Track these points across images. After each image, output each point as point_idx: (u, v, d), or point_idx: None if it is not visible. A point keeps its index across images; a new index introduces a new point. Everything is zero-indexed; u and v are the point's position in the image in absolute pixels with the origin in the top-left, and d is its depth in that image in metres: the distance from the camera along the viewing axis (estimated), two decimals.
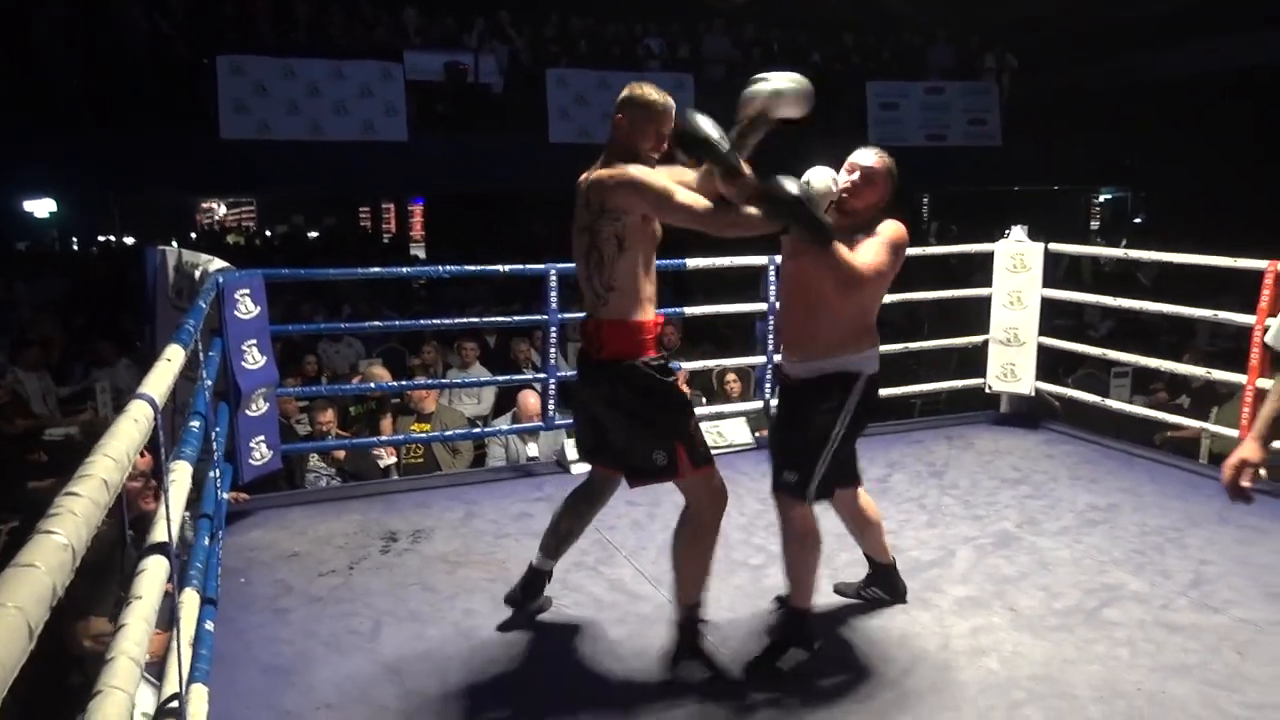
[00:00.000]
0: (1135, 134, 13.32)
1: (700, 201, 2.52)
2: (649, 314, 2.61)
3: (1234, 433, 4.37)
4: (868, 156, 2.71)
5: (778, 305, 2.75)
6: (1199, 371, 4.92)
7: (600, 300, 2.59)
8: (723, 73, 11.93)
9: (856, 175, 2.68)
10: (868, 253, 2.59)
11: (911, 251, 5.68)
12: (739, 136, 2.60)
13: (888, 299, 5.67)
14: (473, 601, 3.16)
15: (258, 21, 10.34)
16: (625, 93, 2.65)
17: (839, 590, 3.20)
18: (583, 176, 2.64)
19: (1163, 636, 2.88)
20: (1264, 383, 4.24)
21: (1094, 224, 19.52)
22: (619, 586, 3.28)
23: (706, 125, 2.51)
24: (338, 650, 2.84)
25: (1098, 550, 3.55)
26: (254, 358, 3.91)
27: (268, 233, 22.10)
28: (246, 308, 3.88)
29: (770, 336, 4.92)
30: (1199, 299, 4.96)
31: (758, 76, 2.67)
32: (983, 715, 2.49)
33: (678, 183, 2.58)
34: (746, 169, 2.54)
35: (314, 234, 20.60)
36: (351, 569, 3.43)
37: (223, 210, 24.83)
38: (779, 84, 2.63)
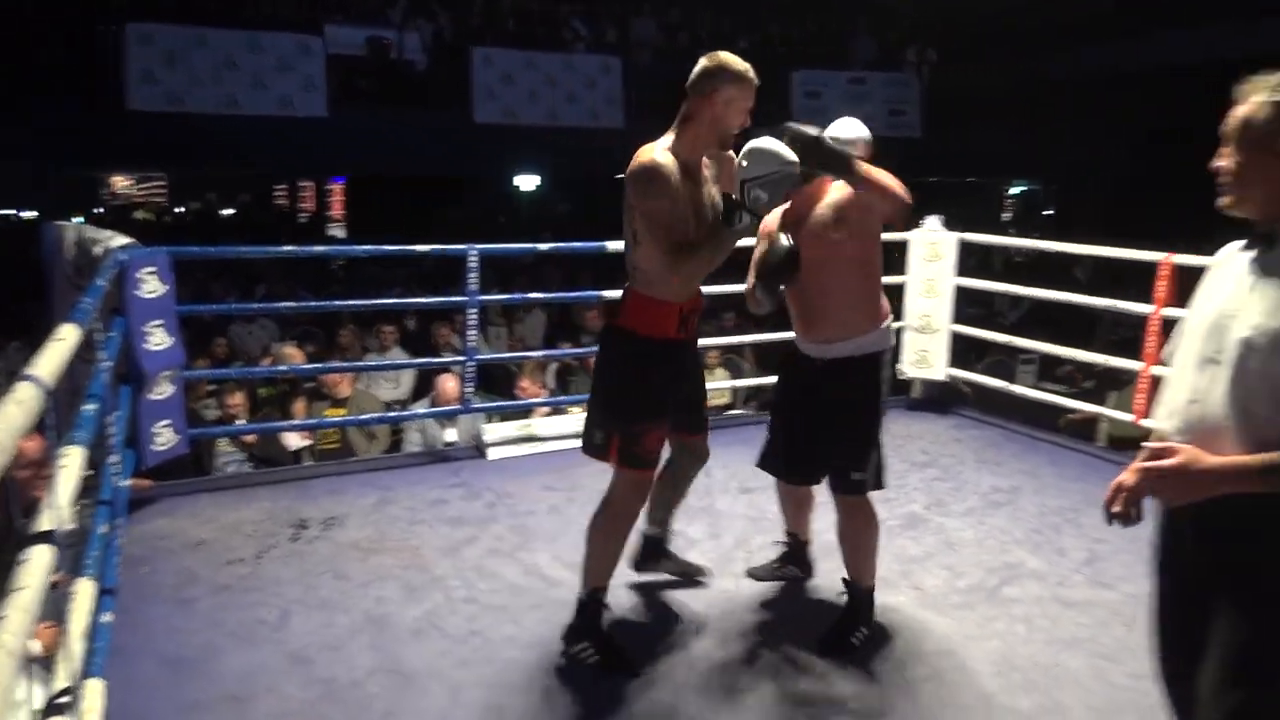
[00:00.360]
0: (1047, 128, 13.74)
1: (677, 256, 2.48)
2: (683, 294, 2.58)
3: (1129, 417, 4.57)
4: (847, 130, 2.85)
5: (794, 297, 2.77)
6: (1098, 359, 5.11)
7: (630, 275, 2.63)
8: (649, 57, 11.93)
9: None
10: (884, 175, 2.53)
11: None
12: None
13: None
14: (385, 589, 3.12)
15: None
16: (711, 63, 2.49)
17: (753, 574, 3.25)
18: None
19: (1058, 612, 3.00)
20: (1158, 370, 4.43)
21: (1005, 215, 20.13)
22: (535, 572, 3.28)
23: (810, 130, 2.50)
24: (244, 640, 2.78)
25: (1000, 530, 3.68)
26: (159, 339, 3.78)
27: (178, 210, 21.36)
28: (151, 287, 3.74)
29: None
30: (1115, 289, 5.12)
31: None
32: (884, 691, 2.57)
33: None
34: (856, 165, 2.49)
35: (228, 211, 19.98)
36: (260, 557, 3.36)
37: (131, 186, 23.88)
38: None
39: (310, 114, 9.97)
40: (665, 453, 2.80)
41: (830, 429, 2.76)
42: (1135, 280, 5.05)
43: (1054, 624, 2.93)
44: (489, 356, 5.54)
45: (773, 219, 2.78)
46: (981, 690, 2.58)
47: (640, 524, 2.92)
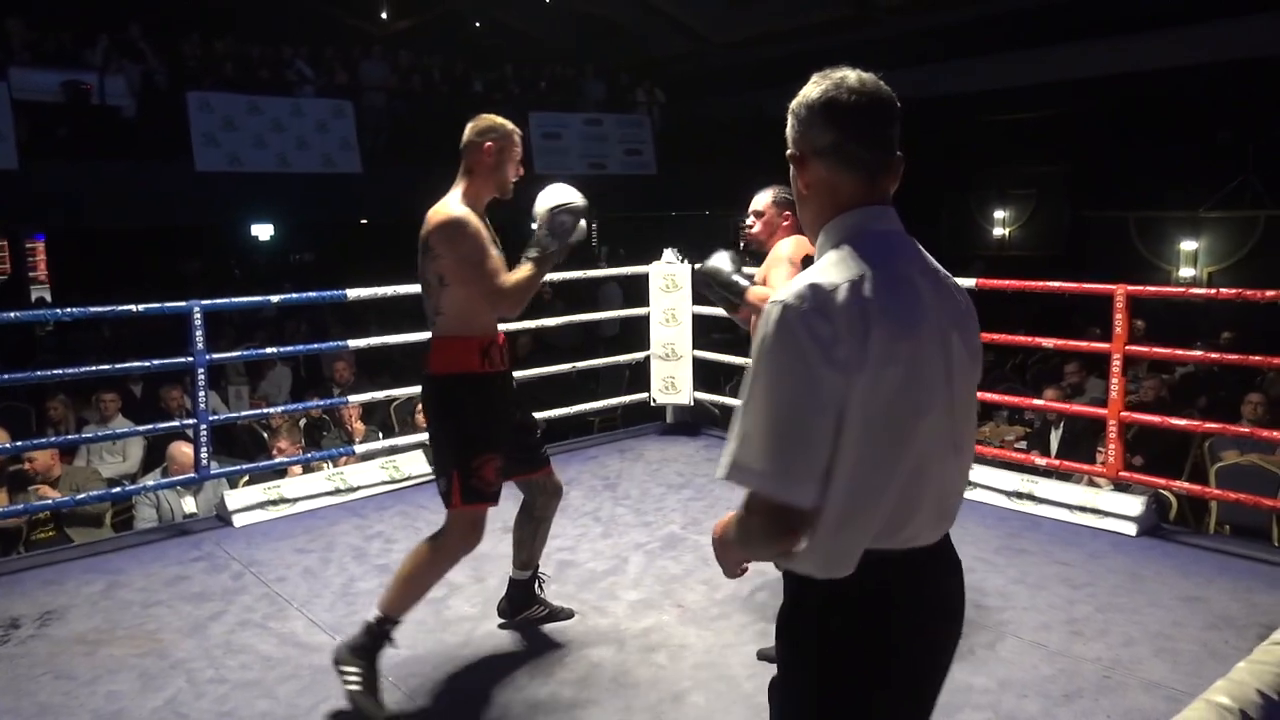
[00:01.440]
0: (772, 161, 14.89)
1: (504, 280, 2.70)
2: (480, 330, 2.78)
3: None
4: (759, 200, 3.18)
5: None
6: None
7: (431, 322, 2.80)
8: (384, 99, 11.73)
9: (751, 218, 3.19)
10: (779, 280, 2.96)
11: (580, 275, 5.93)
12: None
13: (559, 321, 5.87)
14: (117, 682, 2.83)
15: None
16: (484, 123, 2.79)
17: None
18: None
19: None
20: None
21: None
22: (290, 640, 3.10)
23: (724, 264, 3.02)
24: None
25: None
26: None
27: None
28: None
29: None
30: None
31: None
32: (653, 709, 2.66)
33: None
34: (748, 292, 2.97)
35: None
36: None
37: None
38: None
39: None
40: (510, 494, 2.92)
41: None
42: None
43: None
44: (224, 417, 5.18)
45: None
46: (741, 692, 2.73)
47: (509, 571, 3.14)
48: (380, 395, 5.33)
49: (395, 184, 11.01)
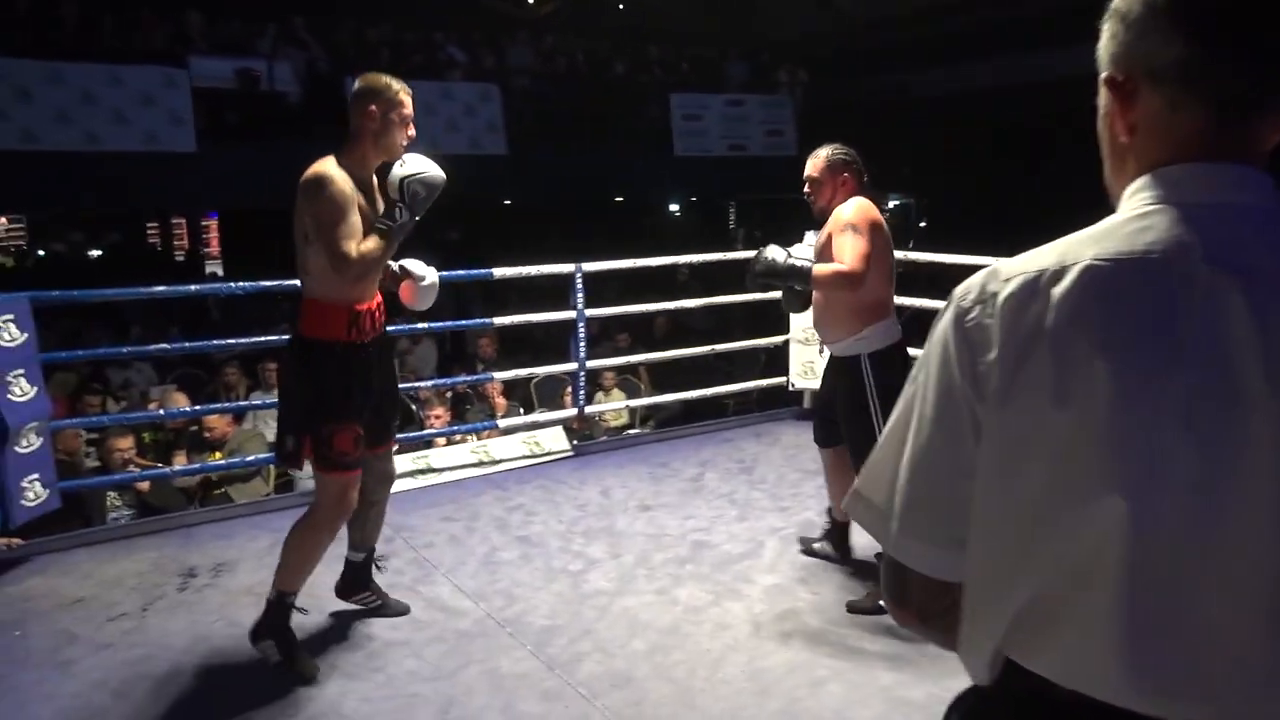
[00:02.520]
0: (914, 144, 14.39)
1: (349, 247, 2.60)
2: (348, 297, 2.72)
3: None
4: (810, 165, 3.17)
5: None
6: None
7: (300, 280, 2.76)
8: (528, 82, 11.97)
9: (807, 186, 3.19)
10: (844, 250, 2.97)
11: (717, 257, 5.90)
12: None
13: (695, 302, 5.86)
14: None
15: (15, 23, 9.44)
16: (363, 83, 2.72)
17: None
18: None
19: None
20: None
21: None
22: (436, 604, 3.24)
23: (777, 255, 3.07)
24: (129, 698, 2.65)
25: None
26: (21, 389, 3.58)
27: (40, 252, 20.21)
28: (10, 335, 3.55)
29: (582, 345, 5.00)
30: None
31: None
32: (789, 695, 2.64)
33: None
34: (814, 272, 3.02)
35: (96, 252, 19.01)
36: (145, 610, 3.21)
37: None
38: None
39: (178, 149, 9.60)
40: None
41: (840, 412, 3.24)
42: None
43: None
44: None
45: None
46: (878, 685, 2.67)
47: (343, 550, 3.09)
48: (524, 373, 5.47)
49: (538, 166, 11.25)
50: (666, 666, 2.80)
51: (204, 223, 17.48)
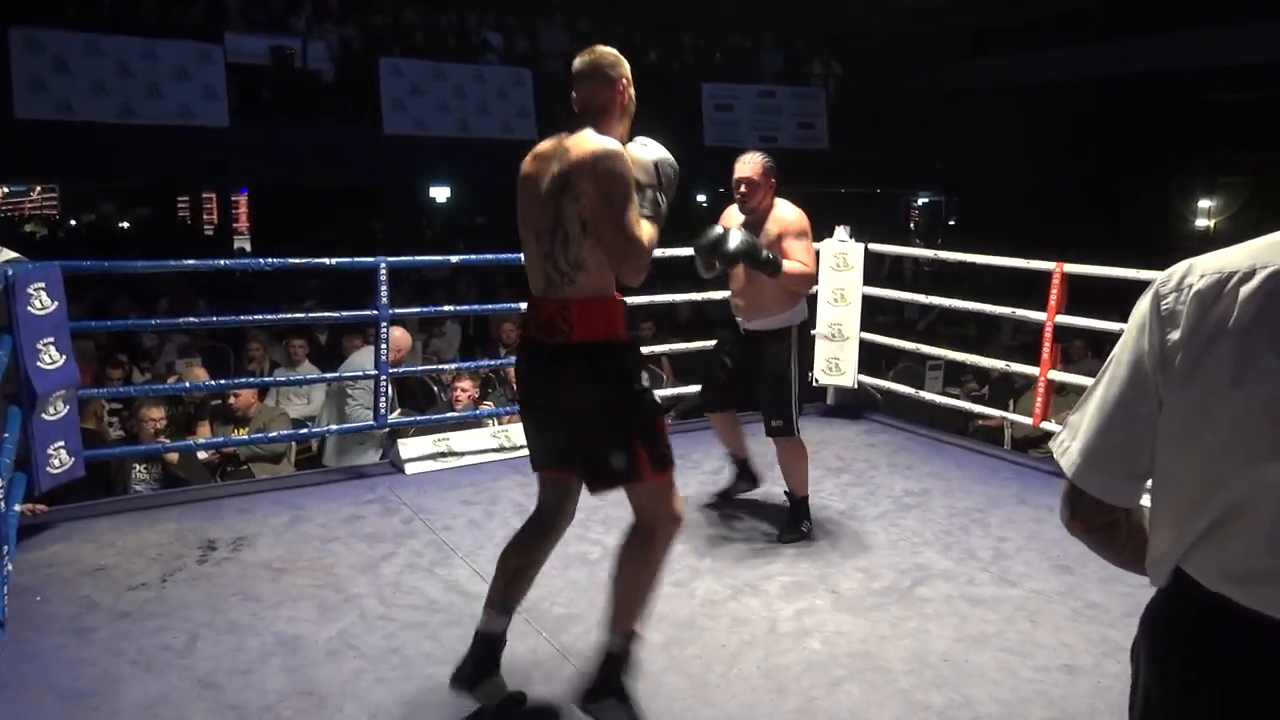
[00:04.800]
0: (948, 141, 14.24)
1: (646, 234, 2.30)
2: (614, 290, 2.40)
3: (1029, 420, 4.75)
4: (749, 169, 3.60)
5: (734, 285, 3.74)
6: (999, 364, 5.31)
7: (565, 279, 2.34)
8: (560, 67, 11.92)
9: (743, 187, 3.60)
10: (799, 252, 3.57)
11: None
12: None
13: (720, 294, 5.81)
14: (297, 609, 3.03)
15: None
16: (612, 56, 2.41)
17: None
18: (553, 143, 2.40)
19: (966, 610, 3.10)
20: (1055, 374, 4.63)
21: (911, 225, 20.77)
22: (454, 587, 3.24)
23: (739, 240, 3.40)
24: (147, 669, 2.66)
25: (911, 532, 3.78)
26: (51, 357, 3.61)
27: (72, 222, 20.45)
28: (42, 303, 3.58)
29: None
30: (1013, 298, 5.19)
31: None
32: (806, 694, 2.61)
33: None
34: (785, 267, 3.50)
35: (125, 224, 19.21)
36: (165, 581, 3.23)
37: (3, 198, 22.74)
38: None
39: (211, 123, 9.67)
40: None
41: (752, 383, 3.79)
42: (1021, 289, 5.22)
43: (963, 621, 3.02)
44: (403, 370, 5.43)
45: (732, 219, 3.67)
46: (896, 687, 2.64)
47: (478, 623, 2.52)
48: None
49: None
50: (682, 660, 2.78)
51: (234, 198, 17.59)
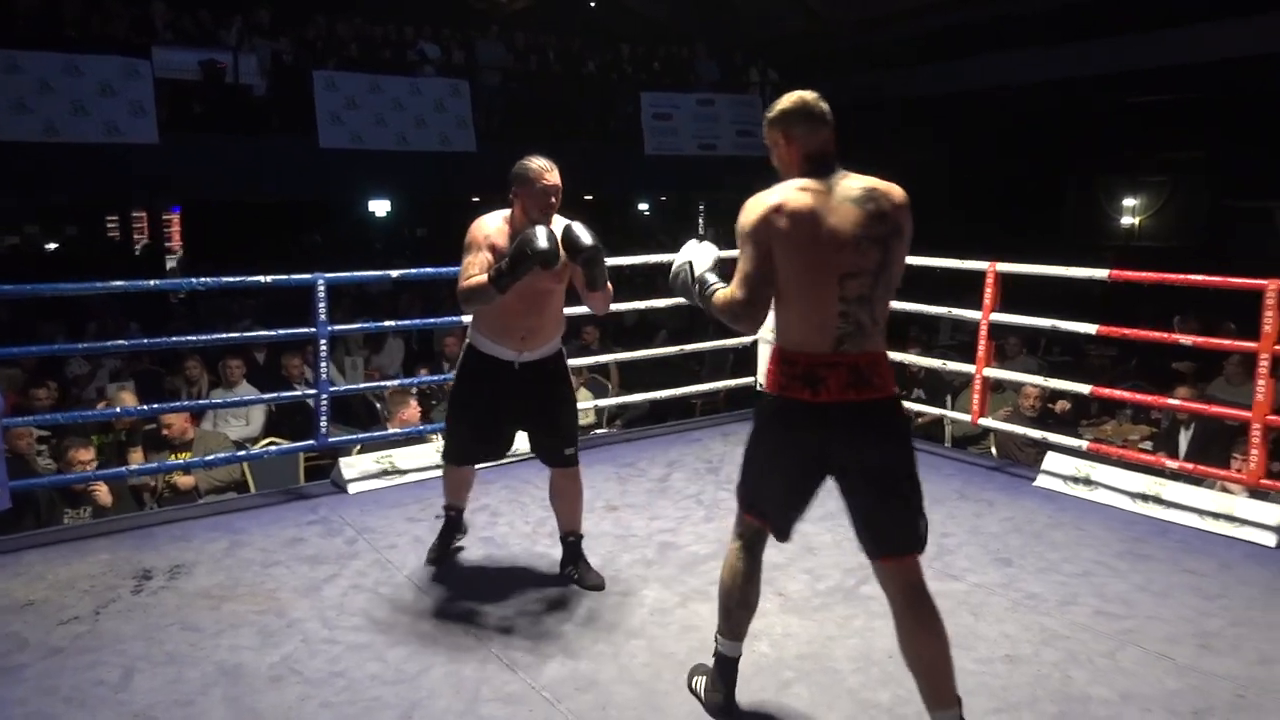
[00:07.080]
0: (885, 147, 14.47)
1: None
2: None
3: (967, 417, 4.84)
4: (555, 175, 3.43)
5: (507, 315, 3.22)
6: (936, 363, 5.41)
7: (876, 327, 2.29)
8: (499, 79, 11.88)
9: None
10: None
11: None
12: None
13: (665, 303, 5.81)
14: (238, 637, 2.96)
15: None
16: (797, 102, 2.50)
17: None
18: (826, 182, 2.39)
19: None
20: (990, 371, 4.73)
21: None
22: (400, 607, 3.18)
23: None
24: (81, 705, 2.58)
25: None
26: None
27: None
28: None
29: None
30: (947, 298, 5.27)
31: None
32: (756, 696, 2.62)
33: None
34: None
35: (53, 245, 18.62)
36: (98, 614, 3.13)
37: None
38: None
39: (140, 140, 9.42)
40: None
41: (544, 414, 3.30)
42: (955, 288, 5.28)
43: None
44: (343, 388, 5.35)
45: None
46: (845, 687, 2.67)
47: None
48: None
49: (508, 163, 11.15)
50: (632, 669, 2.78)
51: (165, 216, 17.17)
